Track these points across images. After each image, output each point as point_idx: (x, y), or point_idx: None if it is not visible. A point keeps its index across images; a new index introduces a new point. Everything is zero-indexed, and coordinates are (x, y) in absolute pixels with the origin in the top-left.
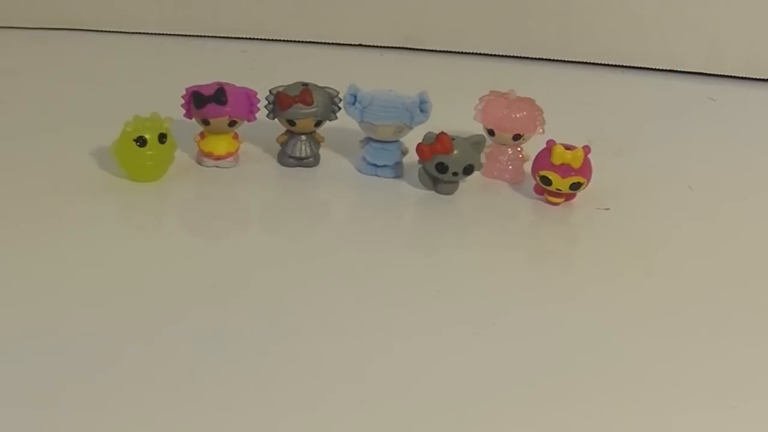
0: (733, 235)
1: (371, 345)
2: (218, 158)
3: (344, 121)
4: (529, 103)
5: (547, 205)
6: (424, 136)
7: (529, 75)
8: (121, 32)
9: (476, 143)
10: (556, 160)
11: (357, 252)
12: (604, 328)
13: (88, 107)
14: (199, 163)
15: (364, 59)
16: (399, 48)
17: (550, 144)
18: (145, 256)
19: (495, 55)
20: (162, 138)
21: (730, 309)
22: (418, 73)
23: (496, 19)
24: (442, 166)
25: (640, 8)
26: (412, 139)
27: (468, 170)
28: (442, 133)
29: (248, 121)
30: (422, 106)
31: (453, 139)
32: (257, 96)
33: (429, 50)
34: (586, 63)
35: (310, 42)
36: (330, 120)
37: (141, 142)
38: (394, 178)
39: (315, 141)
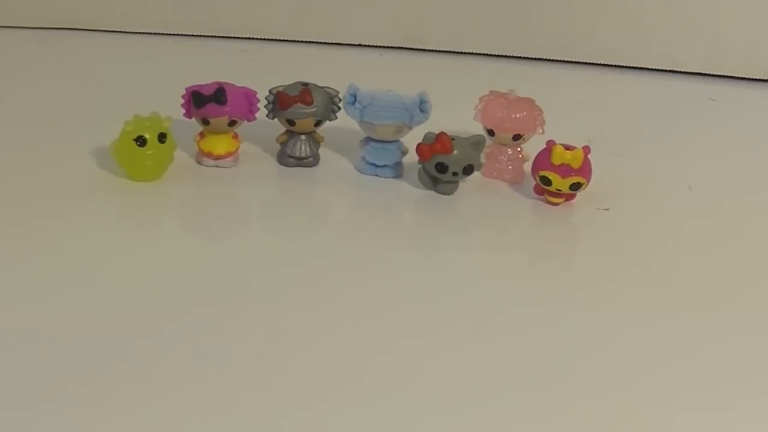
0: (732, 235)
1: (371, 345)
2: (218, 158)
3: (344, 120)
4: (529, 103)
5: (547, 205)
6: (424, 136)
7: (529, 75)
8: (120, 32)
9: (476, 143)
10: (556, 160)
11: (357, 252)
12: (604, 327)
13: (87, 107)
14: (199, 162)
15: (364, 59)
16: (399, 48)
17: (550, 144)
18: (145, 256)
19: (494, 55)
20: (162, 138)
21: (730, 309)
22: (417, 73)
23: (496, 19)
24: (442, 166)
25: (639, 8)
26: (412, 139)
27: (468, 170)
28: (442, 133)
29: (248, 120)
30: (422, 106)
31: (453, 139)
32: (257, 96)
33: (429, 50)
34: (585, 63)
35: (309, 42)
36: (330, 120)
37: (141, 141)
38: (393, 178)
39: (315, 141)
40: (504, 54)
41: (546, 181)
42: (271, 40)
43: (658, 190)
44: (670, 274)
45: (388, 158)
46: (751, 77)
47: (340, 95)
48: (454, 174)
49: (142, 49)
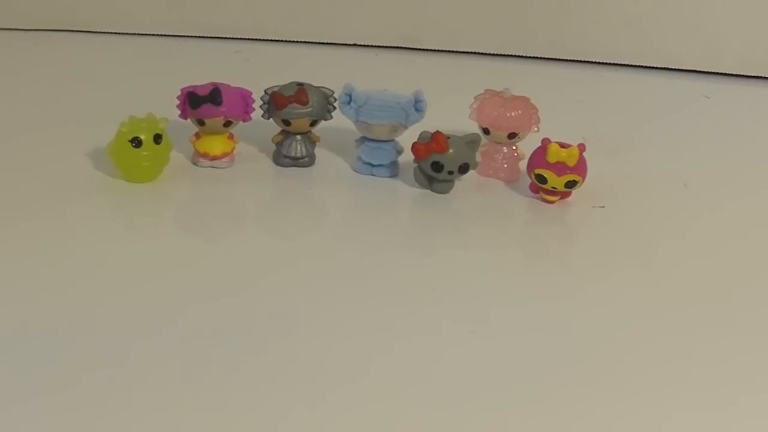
0: (728, 233)
1: (369, 344)
2: (214, 158)
3: (339, 120)
4: (524, 101)
5: (543, 203)
6: (420, 135)
7: (524, 73)
8: (115, 33)
9: (471, 142)
10: (552, 158)
11: (353, 251)
12: (600, 325)
13: (83, 108)
14: (195, 163)
15: (359, 59)
16: (394, 47)
17: (545, 142)
18: (141, 257)
19: (489, 54)
20: (157, 138)
21: (727, 306)
22: (413, 72)
23: (491, 18)
24: (438, 165)
25: (635, 6)
26: (408, 138)
27: (463, 169)
28: (438, 132)
29: (243, 121)
30: (417, 105)
31: (448, 137)
32: (252, 96)
33: (424, 49)
34: (581, 61)
35: (304, 42)
36: (325, 120)
37: (136, 142)
38: (389, 177)
39: (310, 141)
40: (499, 53)
41: (541, 179)
42: (266, 40)
43: (653, 187)
44: (666, 271)
45: (384, 158)
46: (747, 75)
47: (336, 95)
48: (450, 173)
49: (137, 50)
